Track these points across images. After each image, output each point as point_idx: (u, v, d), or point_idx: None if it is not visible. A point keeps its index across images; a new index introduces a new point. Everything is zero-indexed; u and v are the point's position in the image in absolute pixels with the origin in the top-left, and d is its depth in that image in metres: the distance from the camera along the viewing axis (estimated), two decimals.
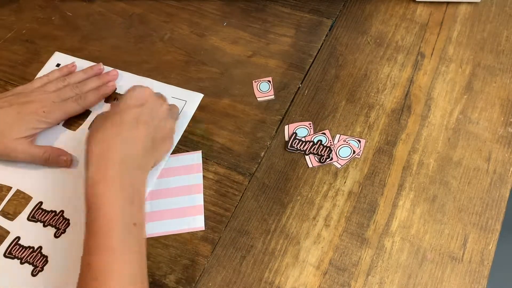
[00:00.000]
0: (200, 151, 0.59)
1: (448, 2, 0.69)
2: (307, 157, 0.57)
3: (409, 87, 0.62)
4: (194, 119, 0.61)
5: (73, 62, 0.66)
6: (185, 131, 0.61)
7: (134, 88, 0.54)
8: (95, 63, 0.66)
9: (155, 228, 0.54)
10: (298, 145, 0.58)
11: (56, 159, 0.57)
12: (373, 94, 0.62)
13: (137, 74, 0.66)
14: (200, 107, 0.62)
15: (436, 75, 0.63)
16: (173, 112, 0.58)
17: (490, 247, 0.51)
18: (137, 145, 0.50)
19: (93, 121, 0.59)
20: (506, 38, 0.65)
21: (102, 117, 0.52)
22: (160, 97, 0.56)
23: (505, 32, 0.66)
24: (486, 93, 0.61)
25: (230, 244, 0.53)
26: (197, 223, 0.54)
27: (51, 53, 0.69)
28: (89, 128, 0.60)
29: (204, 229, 0.53)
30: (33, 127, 0.57)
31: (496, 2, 0.68)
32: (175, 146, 0.59)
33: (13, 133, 0.56)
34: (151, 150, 0.52)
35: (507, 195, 0.54)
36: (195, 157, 0.58)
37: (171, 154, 0.59)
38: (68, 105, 0.60)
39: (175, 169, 0.57)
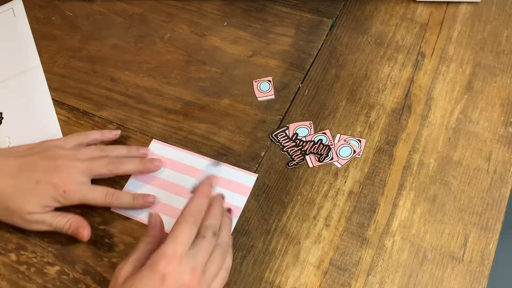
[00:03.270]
0: (257, 175, 0.56)
1: (448, 2, 0.69)
2: (307, 157, 0.57)
3: (409, 87, 0.62)
4: (194, 119, 0.61)
5: (118, 130, 0.60)
6: (184, 131, 0.61)
7: (159, 259, 0.42)
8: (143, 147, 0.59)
9: None
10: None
11: (76, 231, 0.52)
12: (373, 94, 0.62)
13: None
14: (200, 107, 0.62)
15: (437, 75, 0.63)
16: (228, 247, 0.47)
17: (490, 247, 0.51)
18: None
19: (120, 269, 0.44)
20: (506, 38, 0.65)
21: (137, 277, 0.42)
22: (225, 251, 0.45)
23: (505, 32, 0.66)
24: (486, 93, 0.61)
25: None
26: None
27: (52, 53, 0.69)
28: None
29: None
30: (45, 205, 0.51)
31: (496, 2, 0.69)
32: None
33: (27, 206, 0.51)
34: None
35: (508, 195, 0.54)
36: (249, 179, 0.56)
37: (226, 163, 0.57)
38: (93, 192, 0.53)
39: (223, 180, 0.56)
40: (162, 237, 0.47)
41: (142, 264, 0.43)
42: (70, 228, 0.52)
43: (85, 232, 0.52)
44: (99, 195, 0.53)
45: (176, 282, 0.42)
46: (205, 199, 0.47)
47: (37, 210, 0.51)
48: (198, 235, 0.45)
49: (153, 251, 0.43)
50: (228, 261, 0.47)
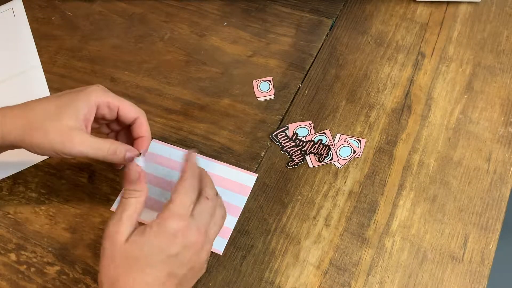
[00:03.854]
0: (257, 175, 0.56)
1: (448, 2, 0.69)
2: (307, 157, 0.57)
3: (409, 87, 0.62)
4: (194, 119, 0.61)
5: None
6: (184, 131, 0.61)
7: (170, 218, 0.43)
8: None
9: None
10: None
11: (124, 155, 0.49)
12: (373, 94, 0.62)
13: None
14: (200, 107, 0.62)
15: (437, 75, 0.63)
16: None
17: (490, 247, 0.51)
18: None
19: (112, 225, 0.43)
20: (506, 38, 0.65)
21: (121, 249, 0.42)
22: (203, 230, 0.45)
23: (505, 32, 0.66)
24: (486, 93, 0.61)
25: (231, 243, 0.52)
26: (217, 244, 0.51)
27: (52, 53, 0.69)
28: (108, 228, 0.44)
29: (221, 253, 0.52)
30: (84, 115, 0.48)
31: (496, 2, 0.69)
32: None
33: (64, 119, 0.46)
34: None
35: (508, 195, 0.54)
36: (249, 179, 0.56)
37: (226, 163, 0.57)
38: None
39: (223, 180, 0.56)
40: (147, 191, 0.46)
41: (135, 222, 0.44)
42: (118, 151, 0.48)
43: (131, 154, 0.49)
44: None
45: (184, 241, 0.43)
46: (197, 168, 0.48)
47: (76, 123, 0.47)
48: (201, 196, 0.46)
49: (142, 207, 0.44)
50: (224, 217, 0.49)
